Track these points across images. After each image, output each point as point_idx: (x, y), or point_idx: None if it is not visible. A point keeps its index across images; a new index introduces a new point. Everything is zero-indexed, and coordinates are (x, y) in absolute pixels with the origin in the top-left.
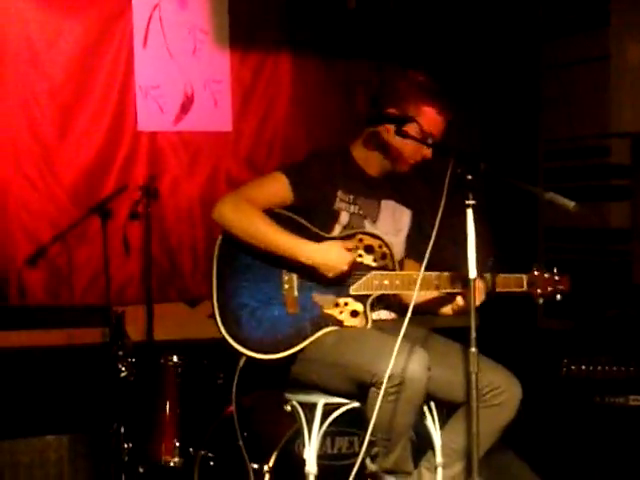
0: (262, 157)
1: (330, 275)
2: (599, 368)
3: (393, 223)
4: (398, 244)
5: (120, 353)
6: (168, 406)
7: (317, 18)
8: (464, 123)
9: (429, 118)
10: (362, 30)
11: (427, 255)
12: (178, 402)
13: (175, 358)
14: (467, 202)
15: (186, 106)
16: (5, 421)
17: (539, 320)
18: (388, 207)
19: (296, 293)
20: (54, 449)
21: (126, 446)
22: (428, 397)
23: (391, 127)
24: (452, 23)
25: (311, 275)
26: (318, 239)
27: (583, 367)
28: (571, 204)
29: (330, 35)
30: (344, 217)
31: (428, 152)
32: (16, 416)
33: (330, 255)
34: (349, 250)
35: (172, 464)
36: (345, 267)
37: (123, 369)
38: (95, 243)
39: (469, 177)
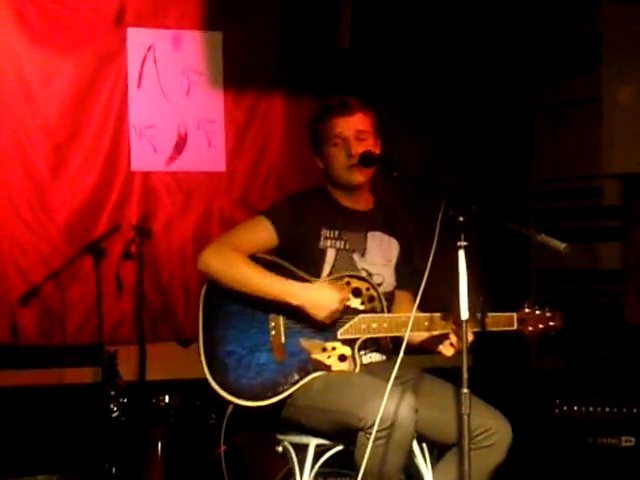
0: (256, 197)
1: (322, 315)
2: (591, 409)
3: (382, 253)
4: (389, 274)
5: (112, 393)
6: (159, 446)
7: (310, 57)
8: (455, 164)
9: (340, 125)
10: (354, 69)
11: (418, 298)
12: (169, 442)
13: (167, 398)
14: (459, 244)
15: (180, 146)
16: None
17: (531, 360)
18: (375, 238)
19: (283, 339)
20: None
21: None
22: (419, 438)
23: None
24: (444, 64)
25: (299, 318)
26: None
27: (575, 407)
28: (562, 246)
29: (323, 74)
30: (330, 255)
31: (356, 148)
32: (7, 456)
33: (320, 294)
34: (340, 290)
35: None
36: (335, 305)
37: (115, 409)
38: (88, 282)
39: (461, 219)
